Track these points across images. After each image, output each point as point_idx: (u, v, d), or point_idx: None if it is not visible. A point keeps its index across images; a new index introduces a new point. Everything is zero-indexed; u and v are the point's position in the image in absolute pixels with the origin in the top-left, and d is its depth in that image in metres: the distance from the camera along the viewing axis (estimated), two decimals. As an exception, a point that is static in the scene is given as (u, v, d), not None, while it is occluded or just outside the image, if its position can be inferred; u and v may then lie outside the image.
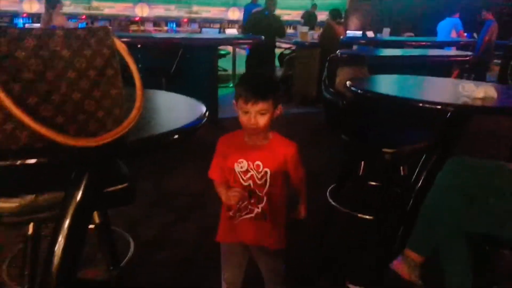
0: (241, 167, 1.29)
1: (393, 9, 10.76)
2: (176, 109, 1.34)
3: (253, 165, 1.28)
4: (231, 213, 1.34)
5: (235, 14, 12.30)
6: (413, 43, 5.45)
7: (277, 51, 6.62)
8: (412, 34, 7.89)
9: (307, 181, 1.38)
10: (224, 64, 7.01)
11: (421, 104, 1.52)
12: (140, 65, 3.17)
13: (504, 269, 1.30)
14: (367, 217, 2.28)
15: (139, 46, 3.49)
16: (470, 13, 7.59)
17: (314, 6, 9.37)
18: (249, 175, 1.29)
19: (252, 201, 1.31)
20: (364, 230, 2.33)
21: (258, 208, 1.32)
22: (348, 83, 1.89)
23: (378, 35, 7.08)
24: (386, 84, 2.20)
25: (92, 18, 10.08)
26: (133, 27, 8.33)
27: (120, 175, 1.36)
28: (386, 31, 6.61)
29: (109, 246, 1.64)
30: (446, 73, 3.07)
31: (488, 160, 1.40)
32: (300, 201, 1.41)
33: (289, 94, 5.80)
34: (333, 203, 2.44)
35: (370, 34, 7.74)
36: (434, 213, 1.37)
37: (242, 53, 6.90)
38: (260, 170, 1.28)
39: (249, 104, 1.20)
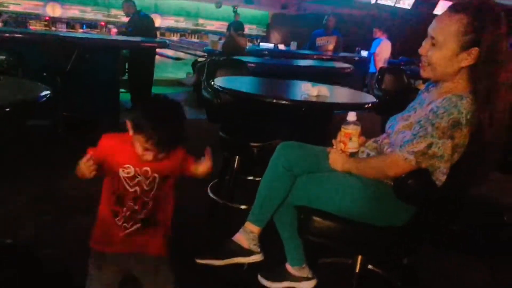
0: (127, 173, 1.21)
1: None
2: (14, 90, 1.41)
3: (141, 171, 1.21)
4: (118, 223, 1.25)
5: (157, 20, 12.25)
6: (314, 56, 5.96)
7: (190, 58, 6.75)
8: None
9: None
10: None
11: (263, 100, 1.75)
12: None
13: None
14: (242, 207, 2.50)
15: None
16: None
17: (237, 15, 9.63)
18: (136, 181, 1.22)
19: (137, 207, 1.25)
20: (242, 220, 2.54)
21: (141, 214, 1.25)
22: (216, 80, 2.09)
23: (287, 48, 7.58)
24: (249, 84, 2.45)
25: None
26: (37, 25, 7.89)
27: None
28: (294, 44, 7.09)
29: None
30: (333, 82, 3.43)
31: (313, 145, 1.66)
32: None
33: (201, 100, 5.95)
34: (212, 196, 2.63)
35: (281, 47, 8.24)
36: (267, 189, 1.59)
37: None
38: (148, 175, 1.22)
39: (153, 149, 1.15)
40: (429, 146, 1.27)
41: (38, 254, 1.90)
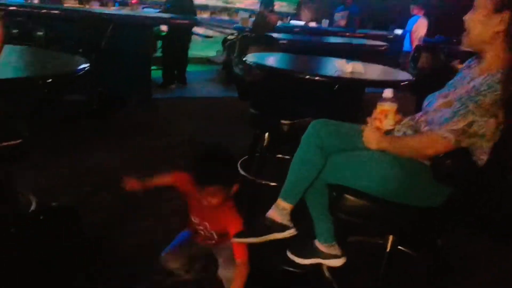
0: (194, 219, 1.52)
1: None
2: (55, 63, 1.45)
3: (202, 223, 1.50)
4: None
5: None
6: (347, 34, 5.80)
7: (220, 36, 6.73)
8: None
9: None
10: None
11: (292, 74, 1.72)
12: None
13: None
14: (271, 184, 2.51)
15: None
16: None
17: None
18: (201, 226, 1.53)
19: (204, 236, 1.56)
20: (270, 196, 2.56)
21: (212, 240, 1.56)
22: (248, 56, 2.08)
23: (319, 25, 7.41)
24: (281, 60, 2.42)
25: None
26: (70, 2, 7.99)
27: (14, 131, 1.44)
28: (325, 22, 6.92)
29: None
30: (366, 59, 3.33)
31: (347, 123, 1.63)
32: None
33: (230, 77, 5.94)
34: (242, 172, 2.66)
35: (312, 24, 8.05)
36: (299, 166, 1.58)
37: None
38: (207, 228, 1.50)
39: (203, 186, 1.34)
40: (470, 124, 1.22)
41: (79, 218, 2.00)
